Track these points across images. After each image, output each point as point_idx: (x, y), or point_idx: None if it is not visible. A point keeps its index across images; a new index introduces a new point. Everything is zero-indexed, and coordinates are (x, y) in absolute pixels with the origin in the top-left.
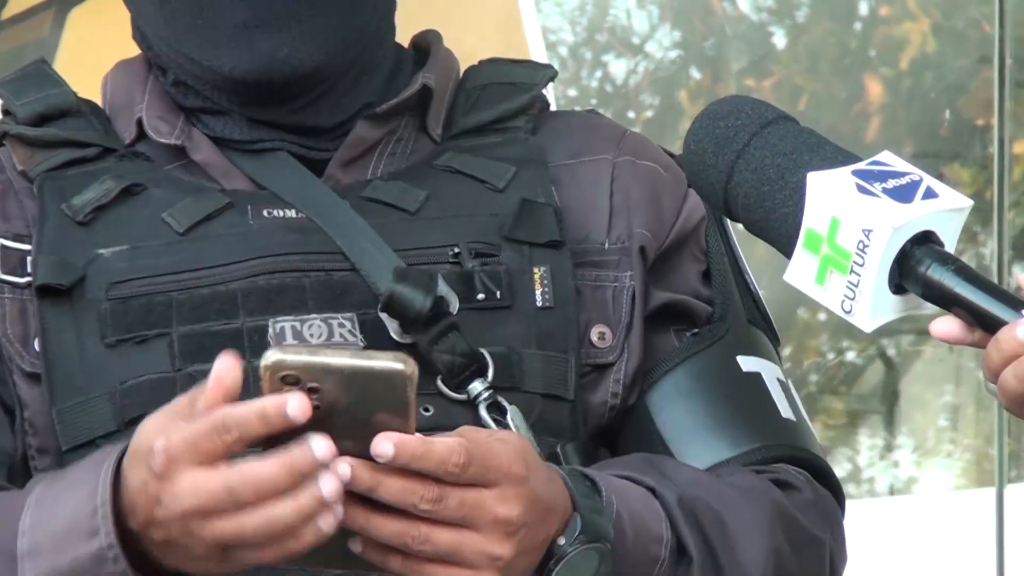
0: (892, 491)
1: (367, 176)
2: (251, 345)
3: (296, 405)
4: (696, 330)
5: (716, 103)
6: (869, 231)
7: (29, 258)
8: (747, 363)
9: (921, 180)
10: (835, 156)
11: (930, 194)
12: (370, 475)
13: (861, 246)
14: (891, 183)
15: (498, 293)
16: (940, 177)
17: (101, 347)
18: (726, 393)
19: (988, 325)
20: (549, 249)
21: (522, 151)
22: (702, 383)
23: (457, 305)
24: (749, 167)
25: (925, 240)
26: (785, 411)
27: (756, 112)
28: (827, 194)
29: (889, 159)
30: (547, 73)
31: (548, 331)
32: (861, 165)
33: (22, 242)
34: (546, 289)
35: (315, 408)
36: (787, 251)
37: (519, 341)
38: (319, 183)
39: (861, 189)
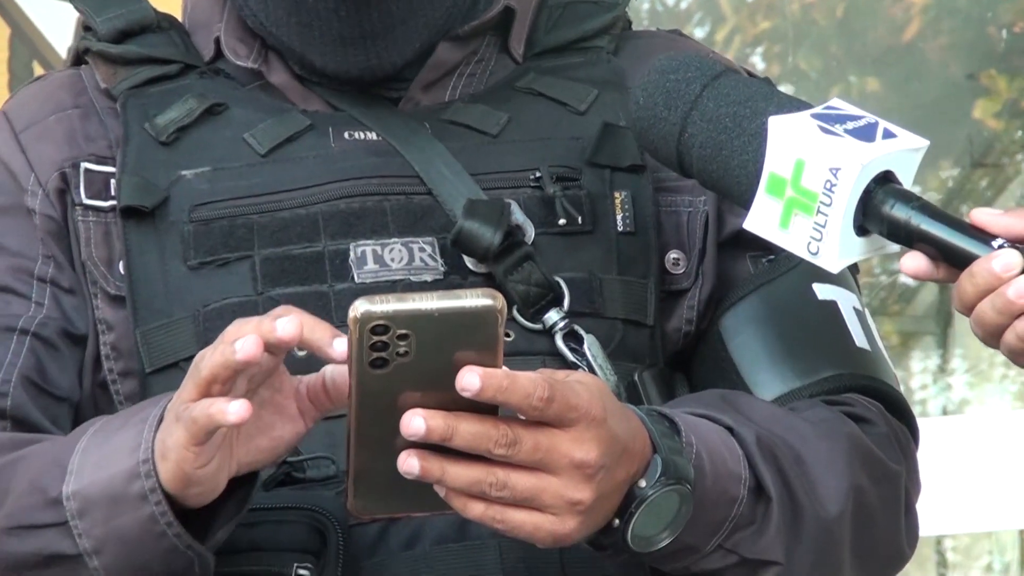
0: (945, 412)
1: (445, 98)
2: (332, 269)
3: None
4: (772, 256)
5: (662, 59)
6: (836, 170)
7: (112, 180)
8: (823, 291)
9: (877, 123)
10: (790, 103)
11: (888, 134)
12: (444, 424)
13: (828, 185)
14: (850, 124)
15: (579, 218)
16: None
17: (184, 269)
18: (800, 321)
19: (957, 260)
20: (630, 174)
21: (604, 72)
22: (776, 310)
23: (533, 234)
24: (704, 117)
25: (885, 181)
26: (860, 340)
27: (705, 65)
28: (791, 137)
29: (841, 104)
30: None
31: (629, 256)
32: (818, 109)
33: (105, 164)
34: (627, 214)
35: (403, 355)
36: (743, 200)
37: (599, 266)
38: (396, 108)
39: (824, 130)
